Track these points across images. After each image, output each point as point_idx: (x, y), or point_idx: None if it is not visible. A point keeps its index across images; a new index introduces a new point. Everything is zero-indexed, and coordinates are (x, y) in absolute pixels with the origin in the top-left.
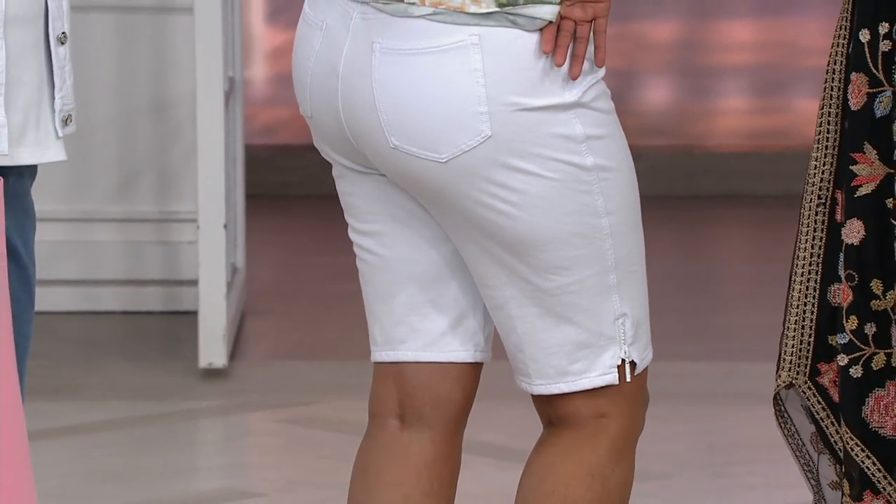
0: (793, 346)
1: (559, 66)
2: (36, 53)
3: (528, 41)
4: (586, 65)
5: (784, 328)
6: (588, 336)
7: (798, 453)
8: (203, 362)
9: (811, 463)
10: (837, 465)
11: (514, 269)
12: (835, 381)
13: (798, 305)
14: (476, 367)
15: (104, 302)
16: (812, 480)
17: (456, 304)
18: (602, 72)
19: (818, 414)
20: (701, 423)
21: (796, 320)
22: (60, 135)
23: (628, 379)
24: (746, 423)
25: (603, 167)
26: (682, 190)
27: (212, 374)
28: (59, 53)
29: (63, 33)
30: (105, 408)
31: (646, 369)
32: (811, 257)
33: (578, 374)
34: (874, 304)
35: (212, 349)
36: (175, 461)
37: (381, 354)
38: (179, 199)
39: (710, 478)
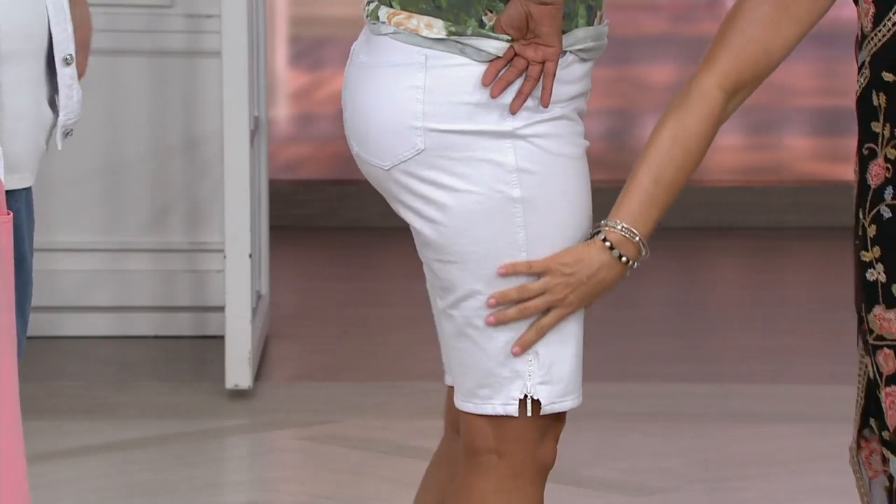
0: None
1: (493, 97)
2: (36, 85)
3: (473, 70)
4: (532, 102)
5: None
6: (494, 364)
7: None
8: (230, 383)
9: None
10: None
11: (438, 283)
12: None
13: None
14: None
15: (137, 327)
16: None
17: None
18: (557, 112)
19: None
20: (696, 441)
21: None
22: (59, 148)
23: (529, 414)
24: (739, 441)
25: (531, 202)
26: (679, 222)
27: (238, 394)
28: (66, 73)
29: (70, 55)
30: (138, 426)
31: (562, 418)
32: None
33: (484, 399)
34: None
35: (238, 371)
36: (203, 476)
37: (446, 377)
38: (208, 231)
39: (707, 492)
